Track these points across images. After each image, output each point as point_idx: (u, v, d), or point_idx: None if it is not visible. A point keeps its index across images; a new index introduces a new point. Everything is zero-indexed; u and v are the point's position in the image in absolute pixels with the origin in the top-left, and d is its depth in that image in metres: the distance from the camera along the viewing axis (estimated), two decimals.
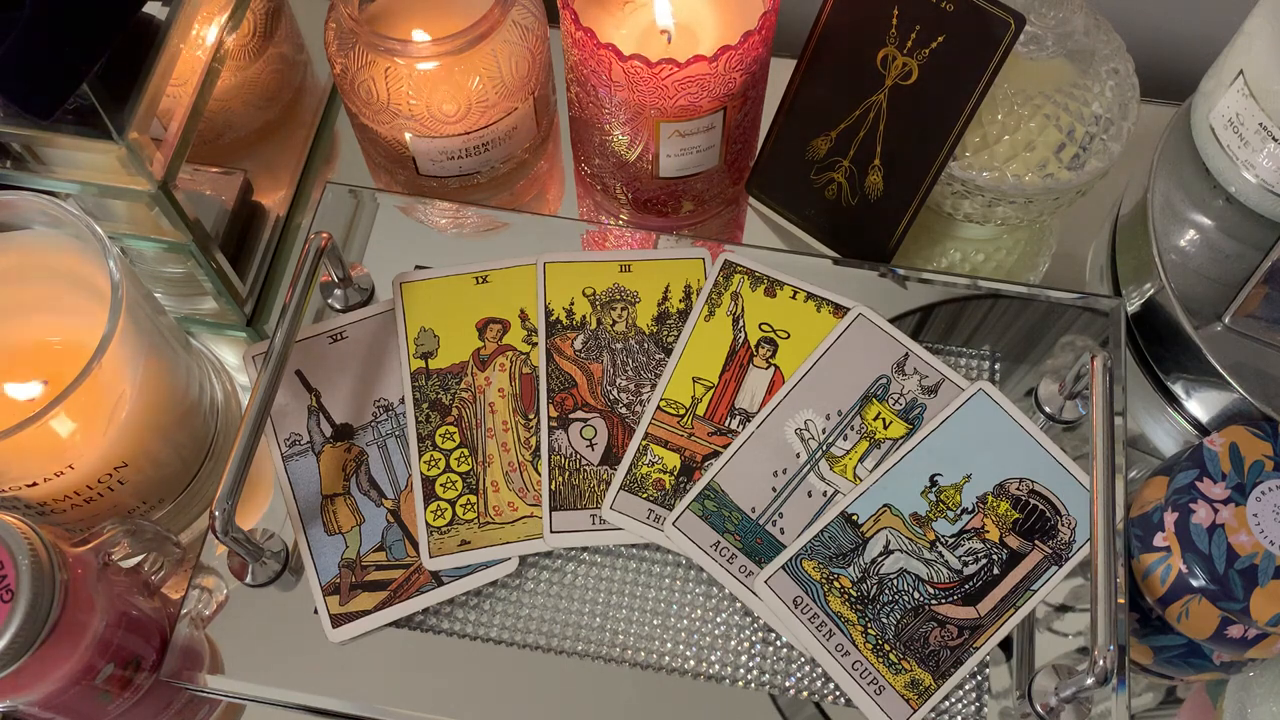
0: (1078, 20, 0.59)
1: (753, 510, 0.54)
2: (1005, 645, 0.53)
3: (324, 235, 0.56)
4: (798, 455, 0.55)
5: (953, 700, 0.51)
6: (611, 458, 0.55)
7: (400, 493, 0.55)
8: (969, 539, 0.53)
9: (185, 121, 0.56)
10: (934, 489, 0.54)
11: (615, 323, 0.59)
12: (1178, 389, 0.63)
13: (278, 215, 0.69)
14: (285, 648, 0.53)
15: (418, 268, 0.61)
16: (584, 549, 0.55)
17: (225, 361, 0.65)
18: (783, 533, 0.54)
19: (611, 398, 0.57)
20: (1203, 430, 0.62)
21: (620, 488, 0.54)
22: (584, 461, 0.55)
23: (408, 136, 0.61)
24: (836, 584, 0.52)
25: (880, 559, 0.53)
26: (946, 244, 0.68)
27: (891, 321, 0.58)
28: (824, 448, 0.56)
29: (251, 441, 0.50)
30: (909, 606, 0.52)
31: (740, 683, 0.52)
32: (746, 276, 0.59)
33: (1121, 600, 0.50)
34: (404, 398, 0.57)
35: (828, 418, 0.56)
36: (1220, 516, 0.52)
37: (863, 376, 0.57)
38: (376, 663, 0.52)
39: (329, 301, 0.60)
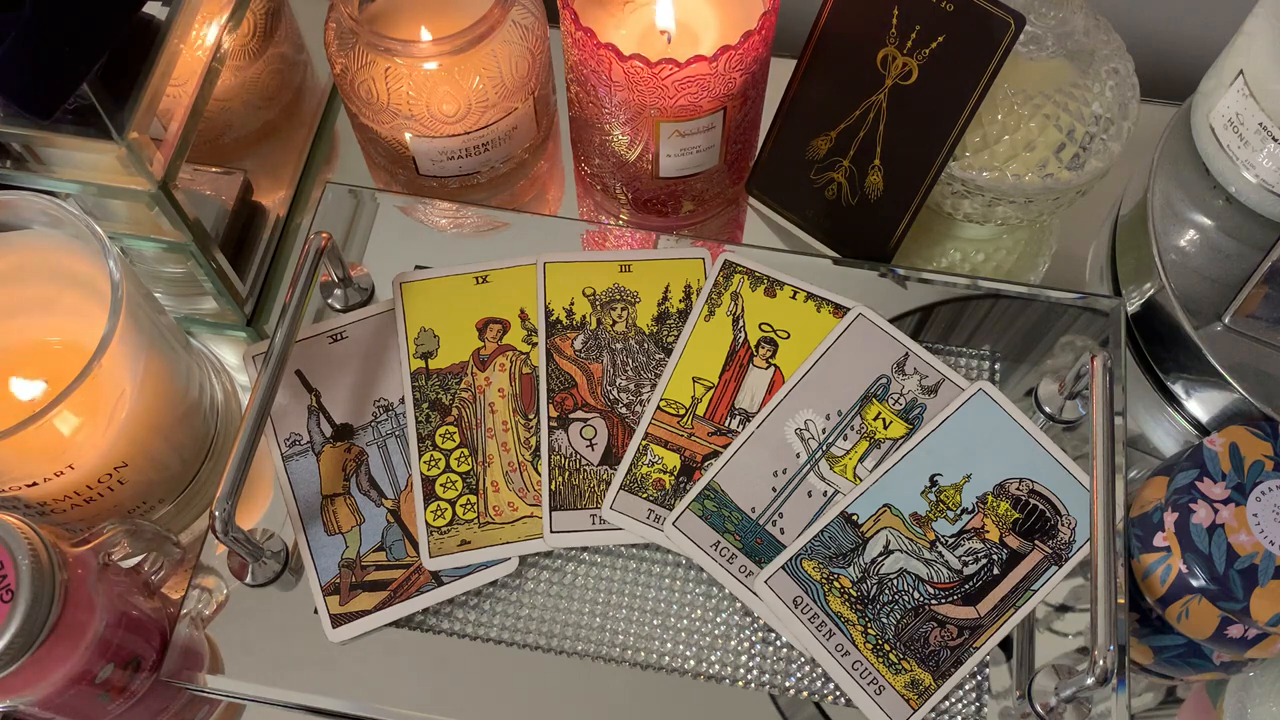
0: (1078, 20, 0.59)
1: (753, 510, 0.54)
2: (1005, 645, 0.53)
3: (324, 235, 0.56)
4: (798, 455, 0.55)
5: (953, 700, 0.51)
6: (611, 458, 0.55)
7: (400, 493, 0.55)
8: (969, 539, 0.53)
9: (185, 121, 0.56)
10: (934, 489, 0.54)
11: (615, 323, 0.59)
12: (1178, 389, 0.63)
13: (278, 215, 0.69)
14: (285, 648, 0.53)
15: (418, 268, 0.61)
16: (584, 549, 0.55)
17: (225, 361, 0.65)
18: (783, 533, 0.54)
19: (611, 398, 0.57)
20: (1203, 430, 0.62)
21: (620, 488, 0.54)
22: (584, 461, 0.55)
23: (408, 136, 0.61)
24: (836, 584, 0.52)
25: (880, 559, 0.53)
26: (946, 244, 0.68)
27: (891, 321, 0.58)
28: (824, 448, 0.56)
29: (251, 441, 0.50)
30: (909, 606, 0.52)
31: (740, 683, 0.52)
32: (746, 276, 0.59)
33: (1121, 600, 0.50)
34: (404, 398, 0.57)
35: (828, 418, 0.56)
36: (1220, 516, 0.52)
37: (863, 376, 0.57)
38: (376, 663, 0.52)
39: (329, 301, 0.60)
